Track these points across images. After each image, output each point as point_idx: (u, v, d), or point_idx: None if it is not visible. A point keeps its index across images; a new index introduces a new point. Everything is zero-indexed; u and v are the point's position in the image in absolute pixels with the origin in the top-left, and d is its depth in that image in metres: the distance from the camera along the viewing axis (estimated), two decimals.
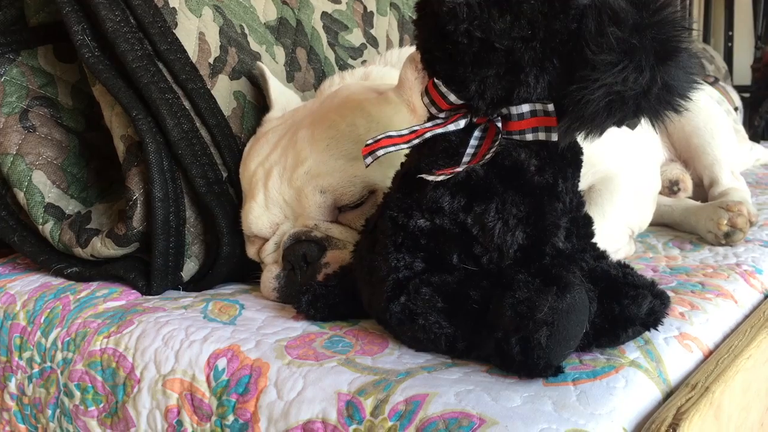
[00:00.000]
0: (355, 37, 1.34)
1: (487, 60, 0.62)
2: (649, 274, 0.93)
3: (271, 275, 0.88)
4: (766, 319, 0.80)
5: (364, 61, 1.31)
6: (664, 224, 1.22)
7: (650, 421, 0.58)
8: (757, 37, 3.67)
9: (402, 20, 1.48)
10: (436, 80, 0.68)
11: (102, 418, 0.80)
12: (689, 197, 1.30)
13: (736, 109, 2.20)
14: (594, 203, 0.99)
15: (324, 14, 1.27)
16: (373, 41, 1.38)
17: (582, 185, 0.86)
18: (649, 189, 1.08)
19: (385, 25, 1.43)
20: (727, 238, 1.07)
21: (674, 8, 0.61)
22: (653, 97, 0.60)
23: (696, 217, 1.15)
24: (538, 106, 0.64)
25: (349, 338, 0.74)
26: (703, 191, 1.34)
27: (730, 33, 3.89)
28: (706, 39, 3.90)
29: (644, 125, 0.67)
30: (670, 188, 1.29)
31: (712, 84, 2.08)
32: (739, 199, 1.16)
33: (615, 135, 0.88)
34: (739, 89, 2.86)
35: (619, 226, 1.00)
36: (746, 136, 1.86)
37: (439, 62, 0.66)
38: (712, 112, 1.36)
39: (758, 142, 2.13)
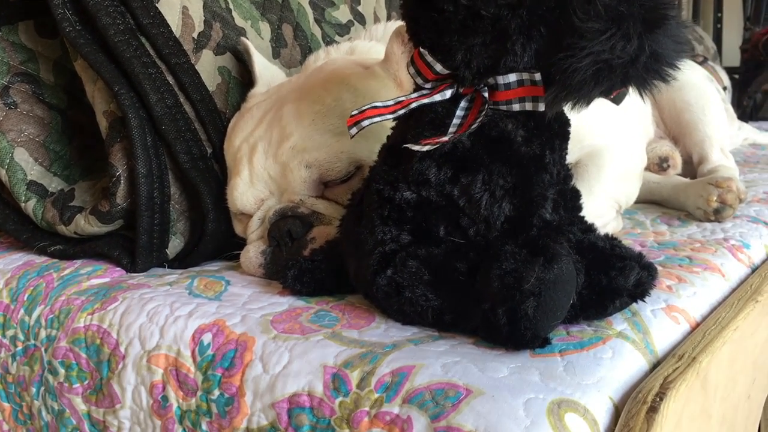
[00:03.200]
0: (342, 14, 1.32)
1: (473, 28, 0.62)
2: (636, 249, 0.93)
3: (257, 250, 0.87)
4: (754, 292, 0.79)
5: (351, 38, 1.29)
6: (652, 201, 1.22)
7: (637, 391, 0.57)
8: (746, 18, 3.66)
9: None
10: (422, 50, 0.67)
11: (87, 395, 0.79)
12: (678, 174, 1.30)
13: (725, 88, 2.19)
14: (581, 178, 0.98)
15: None
16: (360, 18, 1.37)
17: (568, 160, 0.85)
18: (636, 164, 1.07)
19: (372, 2, 1.41)
20: (717, 215, 1.07)
21: None
22: (641, 65, 0.59)
23: (685, 193, 1.15)
24: (525, 76, 0.63)
25: (336, 312, 0.74)
26: (692, 168, 1.34)
27: (719, 14, 3.88)
28: (695, 20, 3.89)
29: (631, 100, 0.66)
30: (660, 165, 1.29)
31: (701, 63, 2.07)
32: (729, 175, 1.16)
33: (601, 110, 0.88)
34: (729, 70, 2.85)
35: (605, 201, 1.00)
36: (734, 115, 1.87)
37: (424, 31, 0.65)
38: (703, 88, 1.36)
39: (746, 122, 2.13)
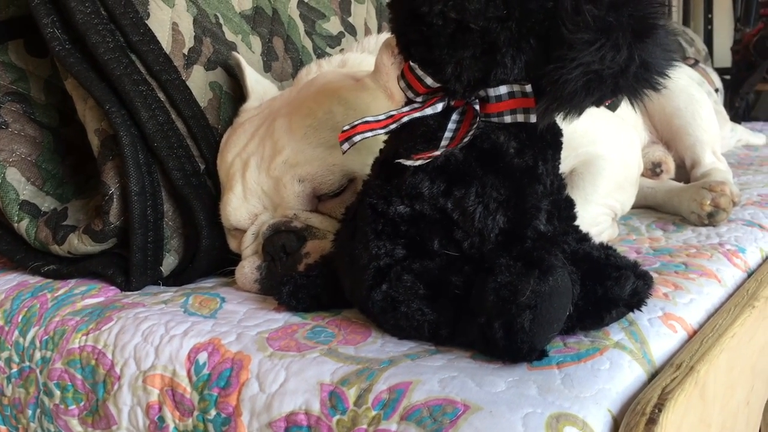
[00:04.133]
0: (333, 26, 1.32)
1: (462, 41, 0.61)
2: (632, 256, 0.92)
3: (252, 266, 0.86)
4: (750, 298, 0.79)
5: (342, 50, 1.29)
6: (647, 206, 1.22)
7: (635, 402, 0.57)
8: (736, 19, 3.68)
9: (380, 7, 1.46)
10: (412, 63, 0.67)
11: (83, 417, 0.78)
12: (672, 179, 1.30)
13: (717, 90, 2.20)
14: (576, 186, 0.98)
15: (300, 2, 1.26)
16: (351, 29, 1.37)
17: (563, 168, 0.85)
18: (631, 171, 1.07)
19: (363, 13, 1.41)
20: (711, 219, 1.07)
21: None
22: (631, 75, 0.59)
23: (679, 198, 1.15)
24: (516, 88, 0.63)
25: (332, 328, 0.73)
26: (685, 172, 1.34)
27: (710, 16, 3.89)
28: (685, 22, 3.90)
29: (625, 106, 0.66)
30: (653, 170, 1.29)
31: (692, 66, 2.08)
32: (722, 179, 1.16)
33: (595, 117, 0.88)
34: (720, 71, 2.86)
35: (601, 209, 1.00)
36: (727, 117, 1.87)
37: (414, 45, 0.65)
38: (692, 93, 1.36)
39: (739, 123, 2.14)
